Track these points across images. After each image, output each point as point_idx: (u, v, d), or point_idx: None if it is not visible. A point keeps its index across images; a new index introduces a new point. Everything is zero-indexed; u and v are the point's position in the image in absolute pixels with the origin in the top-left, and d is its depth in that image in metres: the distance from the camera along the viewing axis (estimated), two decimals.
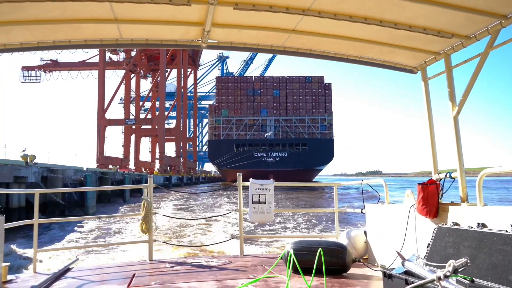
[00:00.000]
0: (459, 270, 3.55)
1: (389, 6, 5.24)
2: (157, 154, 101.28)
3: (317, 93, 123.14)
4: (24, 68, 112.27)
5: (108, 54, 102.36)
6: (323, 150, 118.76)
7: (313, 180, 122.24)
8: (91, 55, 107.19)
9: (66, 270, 7.04)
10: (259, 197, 8.06)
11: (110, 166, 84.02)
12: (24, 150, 29.77)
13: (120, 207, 36.47)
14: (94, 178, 38.04)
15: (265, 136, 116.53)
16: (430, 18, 5.40)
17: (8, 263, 6.67)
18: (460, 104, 5.75)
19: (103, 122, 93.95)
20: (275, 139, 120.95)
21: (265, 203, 8.07)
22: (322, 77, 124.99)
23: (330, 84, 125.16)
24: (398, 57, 6.71)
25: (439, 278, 3.48)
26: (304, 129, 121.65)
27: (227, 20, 5.89)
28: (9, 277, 6.50)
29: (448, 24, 5.49)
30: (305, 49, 6.79)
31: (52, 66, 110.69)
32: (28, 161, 27.39)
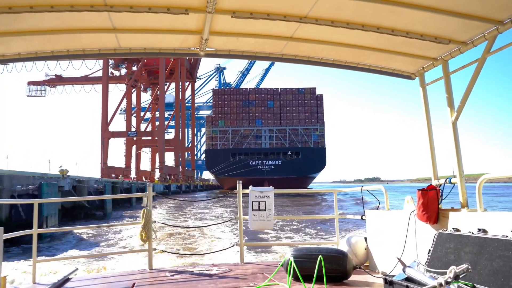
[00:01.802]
0: (460, 276, 3.48)
1: (386, 13, 5.03)
2: (157, 164, 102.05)
3: (309, 104, 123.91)
4: (30, 83, 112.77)
5: (110, 70, 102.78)
6: (316, 158, 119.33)
7: (308, 187, 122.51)
8: (94, 70, 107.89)
9: (66, 280, 6.72)
10: (258, 204, 7.73)
11: (113, 175, 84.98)
12: (61, 166, 35.76)
13: (129, 211, 42.38)
14: (110, 187, 45.63)
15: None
16: (427, 24, 5.21)
17: (7, 274, 6.37)
18: (458, 110, 5.52)
19: (107, 135, 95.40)
20: (270, 148, 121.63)
21: (265, 210, 7.73)
22: (314, 89, 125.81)
23: (321, 95, 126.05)
24: (396, 63, 6.48)
25: (441, 285, 3.42)
26: (297, 138, 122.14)
27: (225, 28, 5.67)
28: (8, 287, 6.19)
29: (445, 30, 5.29)
30: (303, 56, 6.55)
31: (57, 80, 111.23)
32: (64, 174, 34.21)
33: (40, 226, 20.76)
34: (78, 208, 33.96)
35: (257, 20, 5.23)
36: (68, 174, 35.02)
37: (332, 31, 5.49)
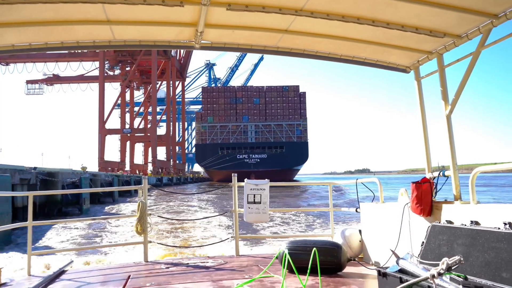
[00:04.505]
0: (453, 268, 3.30)
1: (381, 6, 4.75)
2: (149, 158, 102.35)
3: (293, 100, 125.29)
4: (28, 82, 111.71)
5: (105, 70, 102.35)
6: (299, 152, 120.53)
7: (294, 178, 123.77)
8: (89, 69, 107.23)
9: (61, 272, 6.35)
10: (254, 197, 7.38)
11: (109, 169, 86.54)
12: (82, 164, 46.24)
13: (129, 198, 47.56)
14: (116, 179, 53.98)
15: None
16: (422, 17, 4.92)
17: (2, 266, 6.01)
18: (452, 103, 5.25)
19: (103, 132, 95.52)
20: (256, 143, 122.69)
21: (260, 203, 7.39)
22: (298, 86, 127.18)
23: (304, 93, 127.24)
24: (391, 56, 6.19)
25: (433, 276, 3.20)
26: (281, 133, 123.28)
27: (220, 21, 5.33)
28: (3, 279, 5.83)
29: (440, 24, 5.01)
30: (298, 49, 6.22)
31: (54, 79, 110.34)
32: (84, 170, 43.49)
33: (81, 204, 30.90)
34: (94, 195, 39.76)
35: (252, 13, 4.93)
36: (86, 169, 45.26)
37: (328, 24, 5.19)
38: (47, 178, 29.99)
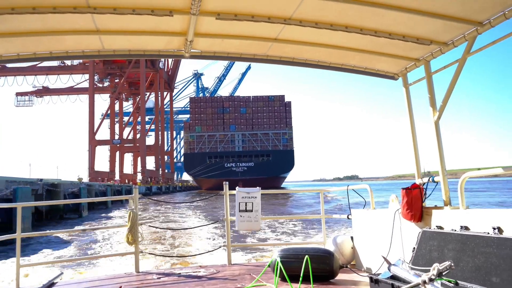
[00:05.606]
0: (444, 273, 3.29)
1: (369, 14, 4.69)
2: (139, 168, 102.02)
3: (278, 110, 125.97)
4: (18, 94, 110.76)
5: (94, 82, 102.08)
6: (285, 160, 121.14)
7: (281, 186, 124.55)
8: (78, 80, 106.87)
9: (51, 284, 6.12)
10: (245, 205, 7.22)
11: (99, 178, 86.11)
12: (79, 175, 52.00)
13: (121, 206, 48.40)
14: (110, 189, 57.09)
15: None
16: (409, 25, 4.87)
17: None
18: (440, 109, 5.21)
19: (94, 143, 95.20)
20: (243, 151, 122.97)
21: (251, 211, 7.23)
22: (283, 96, 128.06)
23: (290, 102, 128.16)
24: (379, 64, 6.12)
25: (424, 282, 3.22)
26: (268, 142, 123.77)
27: (210, 30, 5.23)
28: None
29: (427, 31, 4.97)
30: (288, 57, 6.14)
31: (44, 91, 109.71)
32: (80, 181, 47.91)
33: (80, 211, 34.77)
34: (94, 204, 43.81)
35: (241, 22, 4.84)
36: (82, 180, 50.32)
37: (316, 32, 5.13)
38: (51, 189, 33.46)
